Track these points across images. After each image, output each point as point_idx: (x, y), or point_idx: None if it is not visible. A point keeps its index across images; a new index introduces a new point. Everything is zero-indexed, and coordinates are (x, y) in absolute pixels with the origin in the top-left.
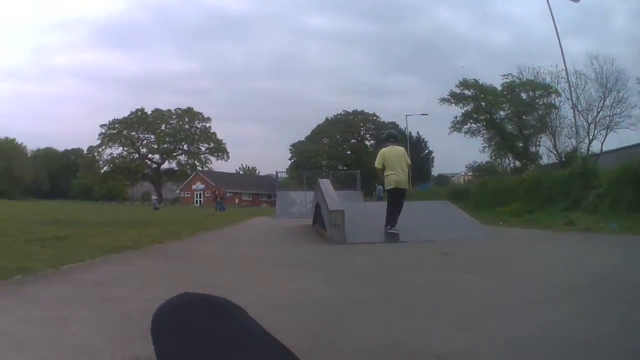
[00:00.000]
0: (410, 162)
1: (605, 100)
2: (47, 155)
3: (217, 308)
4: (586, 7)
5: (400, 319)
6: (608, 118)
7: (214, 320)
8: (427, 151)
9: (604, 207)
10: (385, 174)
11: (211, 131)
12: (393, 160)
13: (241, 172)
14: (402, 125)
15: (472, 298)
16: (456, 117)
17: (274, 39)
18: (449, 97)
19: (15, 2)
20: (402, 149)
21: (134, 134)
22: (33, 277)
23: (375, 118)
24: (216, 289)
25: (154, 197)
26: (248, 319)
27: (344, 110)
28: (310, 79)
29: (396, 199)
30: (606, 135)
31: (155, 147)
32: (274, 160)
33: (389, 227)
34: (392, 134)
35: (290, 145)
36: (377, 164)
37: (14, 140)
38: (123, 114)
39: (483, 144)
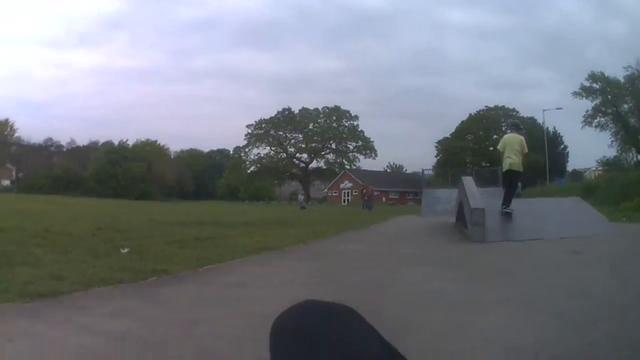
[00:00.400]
0: (526, 150)
1: None
2: (191, 156)
3: (337, 317)
4: None
5: (527, 320)
6: None
7: (332, 330)
8: (562, 146)
9: None
10: (504, 157)
11: (359, 129)
12: (510, 146)
13: (388, 170)
14: (540, 120)
15: (595, 297)
16: (587, 111)
17: (414, 35)
18: (580, 91)
19: (155, 3)
20: (519, 136)
21: (281, 133)
22: (168, 279)
23: (514, 113)
24: (352, 288)
25: (301, 196)
26: (367, 328)
27: (485, 106)
28: (450, 74)
29: (510, 180)
30: None
31: (303, 145)
32: (419, 158)
33: (504, 207)
34: (514, 123)
35: (436, 142)
36: (499, 147)
37: (155, 141)
38: (268, 113)
39: (610, 137)
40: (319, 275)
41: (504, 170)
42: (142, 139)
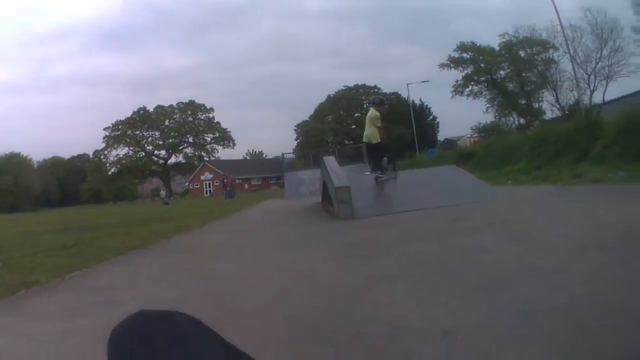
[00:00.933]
0: (379, 124)
1: (602, 51)
2: (54, 164)
3: (171, 326)
4: None
5: (411, 295)
6: (607, 68)
7: (166, 340)
8: (431, 117)
9: (611, 157)
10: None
11: (215, 121)
12: (367, 121)
13: (248, 158)
14: (404, 94)
15: (483, 266)
16: (457, 81)
17: (271, 24)
18: (448, 62)
19: (6, 15)
20: (374, 111)
21: (137, 132)
22: (37, 290)
23: (376, 90)
24: (218, 281)
25: (162, 192)
26: (206, 334)
27: (345, 86)
28: (311, 59)
29: (368, 152)
30: (607, 85)
31: (161, 142)
32: (280, 143)
33: (376, 174)
34: (372, 100)
35: (295, 126)
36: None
37: (19, 154)
38: (127, 113)
39: (486, 104)
40: (182, 271)
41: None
42: (7, 152)
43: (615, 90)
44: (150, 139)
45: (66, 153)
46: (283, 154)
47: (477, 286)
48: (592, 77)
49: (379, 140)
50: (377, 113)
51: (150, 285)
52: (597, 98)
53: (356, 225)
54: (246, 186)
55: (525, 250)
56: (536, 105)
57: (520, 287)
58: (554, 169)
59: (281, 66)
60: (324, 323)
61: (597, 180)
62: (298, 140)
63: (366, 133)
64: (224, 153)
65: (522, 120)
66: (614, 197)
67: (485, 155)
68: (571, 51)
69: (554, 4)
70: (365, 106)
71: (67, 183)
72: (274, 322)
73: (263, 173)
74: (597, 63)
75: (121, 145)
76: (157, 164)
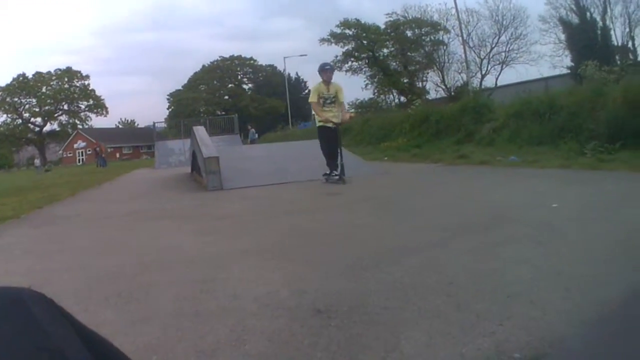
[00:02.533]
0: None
1: (500, 36)
2: None
3: (18, 308)
4: None
5: (280, 270)
6: (503, 53)
7: (8, 321)
8: (306, 91)
9: (500, 141)
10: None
11: (90, 88)
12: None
13: (120, 126)
14: (280, 67)
15: (358, 242)
16: (336, 56)
17: None
18: (329, 37)
19: None
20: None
21: (16, 99)
22: None
23: (252, 62)
24: (87, 251)
25: (37, 161)
26: (55, 315)
27: (220, 56)
28: (191, 28)
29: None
30: (501, 70)
31: (37, 110)
32: (153, 112)
33: (333, 173)
34: (323, 66)
35: (168, 95)
36: (312, 98)
37: None
38: (7, 80)
39: (365, 81)
40: (52, 243)
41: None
42: None
43: (512, 75)
44: (27, 106)
45: None
46: (154, 123)
47: (350, 263)
48: (485, 61)
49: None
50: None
51: (21, 257)
52: (490, 82)
53: (225, 197)
54: (118, 155)
55: (391, 227)
56: (420, 84)
57: (393, 264)
58: (436, 149)
59: (158, 35)
60: (186, 299)
61: (483, 162)
62: (170, 110)
63: (336, 112)
64: (97, 121)
65: (403, 99)
66: (499, 178)
67: (362, 131)
68: (464, 34)
69: None
70: (239, 77)
71: None
72: (136, 292)
73: (135, 142)
74: (492, 48)
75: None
76: (33, 131)
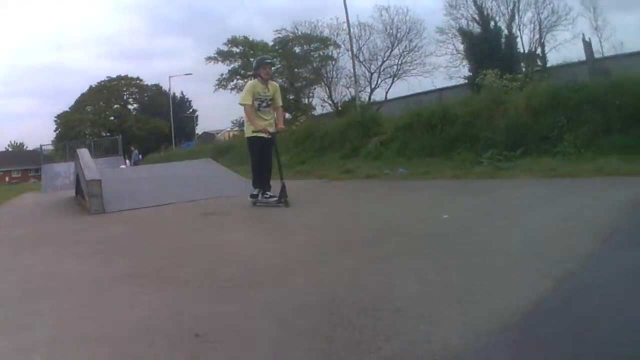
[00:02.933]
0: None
1: (392, 50)
2: None
3: None
4: None
5: (158, 293)
6: (395, 66)
7: None
8: (190, 110)
9: (388, 154)
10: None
11: None
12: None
13: (10, 149)
14: (165, 86)
15: (238, 262)
16: (222, 75)
17: (47, 12)
18: (215, 55)
19: None
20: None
21: None
22: None
23: (138, 81)
24: None
25: None
26: None
27: (107, 77)
28: (77, 46)
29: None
30: (392, 82)
31: None
32: (42, 134)
33: (266, 194)
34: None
35: (55, 117)
36: (244, 100)
37: None
38: None
39: None
40: None
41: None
42: None
43: (404, 88)
44: None
45: None
46: (41, 146)
47: (231, 284)
48: (375, 75)
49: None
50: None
51: None
52: (380, 96)
53: (107, 220)
54: (7, 179)
55: (273, 246)
56: (306, 100)
57: (271, 286)
58: (320, 164)
59: (47, 55)
60: (68, 325)
61: (370, 176)
62: (57, 132)
63: (271, 119)
64: None
65: (288, 115)
66: (387, 192)
67: (245, 149)
68: (354, 49)
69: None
70: (125, 98)
71: None
72: (19, 319)
73: (24, 165)
74: (384, 61)
75: None
76: None
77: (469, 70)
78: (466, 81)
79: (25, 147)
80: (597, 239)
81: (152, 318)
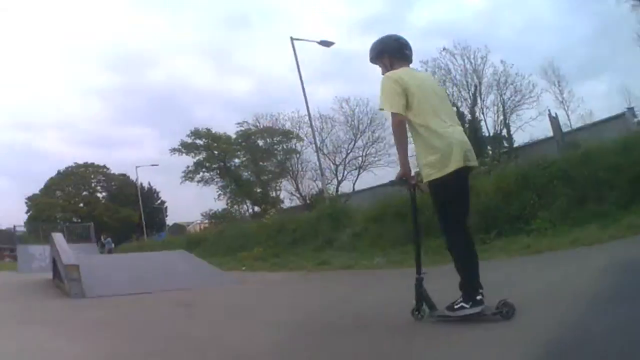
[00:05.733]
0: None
1: (356, 141)
2: None
3: None
4: (345, 50)
5: None
6: (360, 158)
7: None
8: (159, 201)
9: (362, 245)
10: (431, 128)
11: None
12: (432, 96)
13: None
14: (133, 176)
15: (212, 353)
16: (188, 167)
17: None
18: (180, 147)
19: None
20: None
21: None
22: None
23: (105, 169)
24: None
25: None
26: None
27: (75, 162)
28: (47, 128)
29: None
30: (358, 174)
31: None
32: (16, 214)
33: (478, 296)
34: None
35: (26, 198)
36: (392, 104)
37: None
38: None
39: (217, 191)
40: None
41: (448, 170)
42: None
43: (370, 179)
44: None
45: None
46: (15, 227)
47: None
48: (340, 167)
49: None
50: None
51: None
52: (347, 187)
53: (88, 304)
54: None
55: (251, 339)
56: (273, 194)
57: None
58: (294, 257)
59: (14, 133)
60: None
61: (347, 267)
62: (29, 213)
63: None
64: None
65: (257, 209)
66: (366, 280)
67: (217, 241)
68: (318, 142)
69: (304, 93)
70: (93, 185)
71: None
72: None
73: None
74: (348, 153)
75: None
76: None
77: None
78: None
79: None
80: (581, 301)
81: None
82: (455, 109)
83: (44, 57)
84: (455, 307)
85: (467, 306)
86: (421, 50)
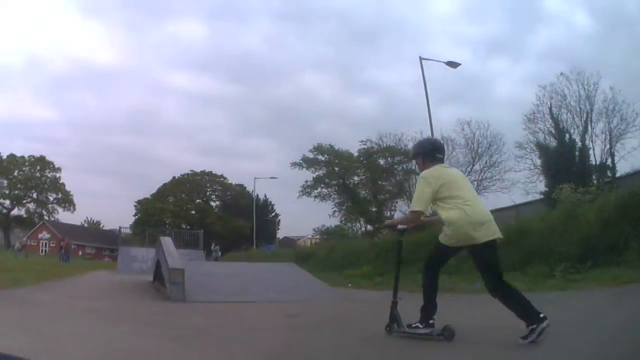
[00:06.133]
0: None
1: (473, 165)
2: None
3: None
4: (468, 72)
5: None
6: (476, 182)
7: None
8: (273, 214)
9: (466, 268)
10: (459, 207)
11: (60, 181)
12: (466, 188)
13: (86, 225)
14: (250, 187)
15: None
16: (306, 181)
17: (133, 94)
18: (301, 161)
19: None
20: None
21: None
22: None
23: (222, 179)
24: (50, 340)
25: (17, 244)
26: None
27: (191, 170)
28: (164, 136)
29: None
30: None
31: (7, 192)
32: (119, 215)
33: (431, 320)
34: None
35: (135, 202)
36: (426, 197)
37: None
38: None
39: (333, 208)
40: (16, 323)
41: (481, 240)
42: None
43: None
44: None
45: None
46: (120, 228)
47: None
48: None
49: None
50: None
51: None
52: None
53: (187, 308)
54: (80, 253)
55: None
56: (388, 213)
57: None
58: (400, 277)
59: (133, 139)
60: None
61: (448, 290)
62: (136, 217)
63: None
64: (63, 216)
65: (369, 227)
66: (461, 304)
67: (326, 257)
68: None
69: (429, 114)
70: (208, 194)
71: None
72: None
73: (98, 243)
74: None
75: None
76: (0, 212)
77: (545, 186)
78: (542, 196)
79: (102, 225)
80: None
81: None
82: (568, 136)
83: (168, 64)
84: (413, 325)
85: (420, 327)
86: (538, 73)
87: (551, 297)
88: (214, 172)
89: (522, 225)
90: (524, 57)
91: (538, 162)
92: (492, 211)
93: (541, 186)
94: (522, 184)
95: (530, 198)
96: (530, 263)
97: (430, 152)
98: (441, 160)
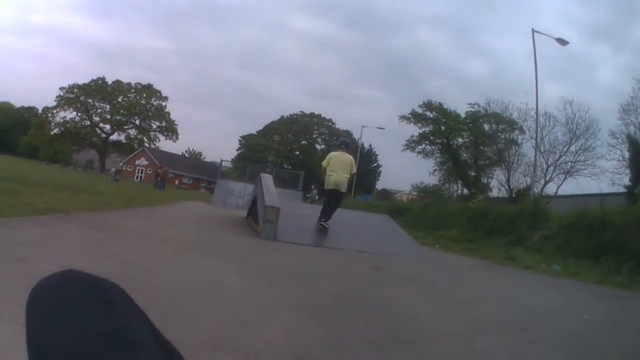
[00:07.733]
0: (354, 171)
1: (570, 145)
2: (2, 110)
3: (99, 292)
4: (573, 53)
5: (310, 331)
6: (570, 163)
7: (92, 306)
8: (375, 164)
9: (549, 249)
10: (327, 173)
11: (165, 110)
12: (336, 164)
13: (186, 155)
14: (357, 135)
15: (397, 318)
16: (412, 136)
17: (250, 30)
18: (409, 116)
19: None
20: (349, 157)
21: (90, 100)
22: None
23: (330, 123)
24: (132, 266)
25: (113, 170)
26: (133, 308)
27: (300, 111)
28: (276, 75)
29: (332, 199)
30: (564, 179)
31: (108, 117)
32: (221, 149)
33: (322, 220)
34: (345, 142)
35: (240, 137)
36: (324, 163)
37: None
38: (84, 79)
39: (434, 166)
40: (99, 246)
41: (327, 187)
42: None
43: (572, 186)
44: (99, 110)
45: (18, 102)
46: (221, 161)
47: (385, 340)
48: (551, 168)
49: (345, 189)
50: (352, 159)
51: (65, 252)
52: (550, 189)
53: (275, 247)
54: (177, 182)
55: (437, 312)
56: (485, 180)
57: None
58: (486, 246)
59: (244, 75)
60: (220, 334)
61: (529, 267)
62: (239, 151)
63: (340, 180)
64: (164, 144)
65: (465, 191)
66: (541, 286)
67: (420, 214)
68: (538, 138)
69: (536, 87)
70: (314, 136)
71: (9, 131)
72: (175, 315)
73: (196, 174)
74: (561, 156)
75: (71, 109)
76: (99, 137)
77: (629, 180)
78: (625, 190)
79: (203, 157)
80: None
81: (313, 348)
82: None
83: (289, 4)
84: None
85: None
86: (636, 66)
87: (617, 294)
88: (323, 116)
89: (604, 216)
90: (626, 47)
91: (627, 154)
92: (577, 196)
93: (626, 180)
94: (610, 173)
95: (615, 189)
96: (604, 255)
97: (338, 144)
98: (342, 150)
